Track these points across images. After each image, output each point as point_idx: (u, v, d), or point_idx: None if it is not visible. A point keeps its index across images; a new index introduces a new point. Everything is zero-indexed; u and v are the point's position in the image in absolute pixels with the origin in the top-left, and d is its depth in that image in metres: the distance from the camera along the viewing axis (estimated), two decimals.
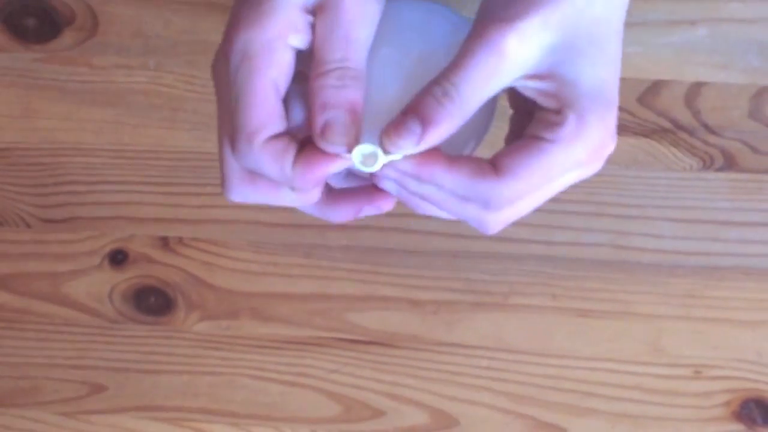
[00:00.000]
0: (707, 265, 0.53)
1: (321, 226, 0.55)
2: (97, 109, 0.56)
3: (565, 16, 0.36)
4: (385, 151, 0.37)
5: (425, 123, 0.36)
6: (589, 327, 0.54)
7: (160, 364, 0.56)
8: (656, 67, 0.53)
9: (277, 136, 0.37)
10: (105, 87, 0.56)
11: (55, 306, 0.57)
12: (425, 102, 0.36)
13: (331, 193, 0.41)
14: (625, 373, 0.54)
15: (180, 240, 0.56)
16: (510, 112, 0.42)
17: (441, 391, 0.55)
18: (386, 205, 0.41)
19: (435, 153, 0.37)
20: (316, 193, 0.39)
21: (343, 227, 0.55)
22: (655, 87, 0.53)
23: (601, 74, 0.37)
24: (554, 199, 0.39)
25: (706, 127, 0.53)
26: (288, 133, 0.38)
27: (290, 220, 0.55)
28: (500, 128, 0.42)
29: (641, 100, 0.53)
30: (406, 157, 0.37)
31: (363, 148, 0.37)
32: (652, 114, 0.53)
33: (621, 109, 0.43)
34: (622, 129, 0.53)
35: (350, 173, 0.42)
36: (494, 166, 0.37)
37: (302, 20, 0.37)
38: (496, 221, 0.39)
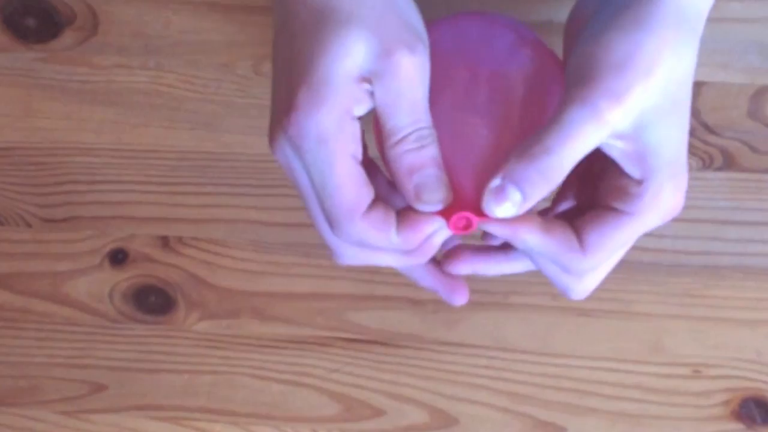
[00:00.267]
0: (707, 264, 0.54)
1: None
2: (98, 109, 0.56)
3: (658, 81, 0.36)
4: (483, 215, 0.38)
5: (527, 196, 0.37)
6: (588, 326, 0.54)
7: (160, 363, 0.56)
8: None
9: (372, 207, 0.38)
10: (105, 87, 0.56)
11: (56, 305, 0.57)
12: (528, 175, 0.36)
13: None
14: (625, 373, 0.54)
15: (180, 239, 0.56)
16: None
17: (441, 390, 0.55)
18: (460, 300, 0.43)
19: (530, 218, 0.38)
20: (427, 251, 0.40)
21: None
22: None
23: (681, 138, 0.38)
24: None
25: (706, 127, 0.53)
26: (380, 199, 0.38)
27: (291, 220, 0.55)
28: None
29: None
30: (500, 220, 0.38)
31: (458, 217, 0.38)
32: None
33: None
34: None
35: None
36: (579, 238, 0.39)
37: (361, 91, 0.36)
38: (578, 288, 0.42)
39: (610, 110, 0.35)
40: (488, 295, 0.54)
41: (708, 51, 0.53)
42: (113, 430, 0.56)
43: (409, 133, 0.37)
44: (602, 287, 0.53)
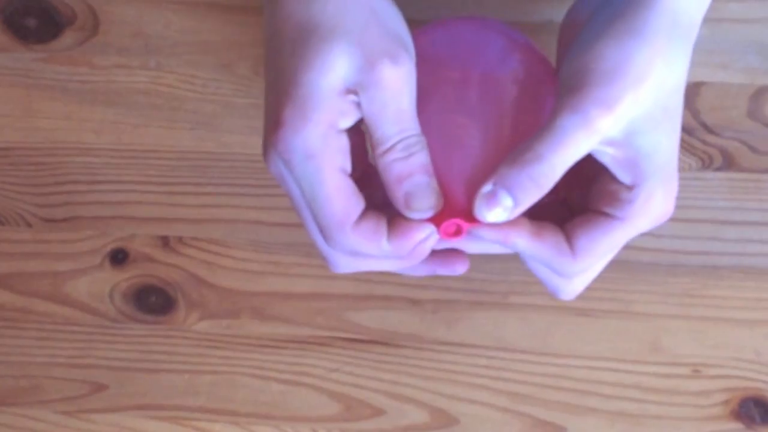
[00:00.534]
0: (706, 264, 0.54)
1: None
2: (98, 109, 0.56)
3: (649, 89, 0.36)
4: (474, 220, 0.38)
5: (518, 201, 0.37)
6: (588, 326, 0.54)
7: (160, 363, 0.56)
8: None
9: (363, 216, 0.38)
10: (106, 87, 0.56)
11: (56, 305, 0.57)
12: (520, 180, 0.37)
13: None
14: (624, 372, 0.54)
15: (180, 239, 0.56)
16: None
17: (441, 390, 0.55)
18: (461, 268, 0.43)
19: (521, 222, 0.39)
20: (418, 255, 0.40)
21: None
22: None
23: (671, 144, 0.38)
24: None
25: (705, 127, 0.54)
26: (372, 208, 0.39)
27: (291, 220, 0.55)
28: None
29: None
30: (491, 225, 0.38)
31: (448, 223, 0.38)
32: None
33: None
34: None
35: None
36: (569, 242, 0.39)
37: (346, 103, 0.37)
38: (568, 289, 0.42)
39: (601, 118, 0.36)
40: (487, 295, 0.54)
41: (707, 51, 0.53)
42: (113, 429, 0.56)
43: (397, 142, 0.38)
44: (602, 287, 0.53)
